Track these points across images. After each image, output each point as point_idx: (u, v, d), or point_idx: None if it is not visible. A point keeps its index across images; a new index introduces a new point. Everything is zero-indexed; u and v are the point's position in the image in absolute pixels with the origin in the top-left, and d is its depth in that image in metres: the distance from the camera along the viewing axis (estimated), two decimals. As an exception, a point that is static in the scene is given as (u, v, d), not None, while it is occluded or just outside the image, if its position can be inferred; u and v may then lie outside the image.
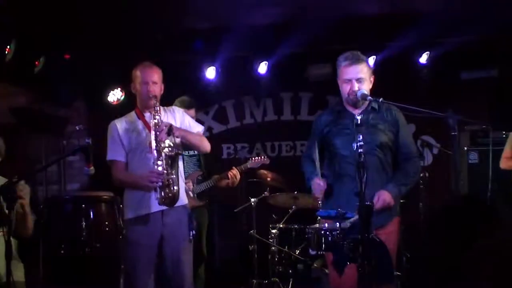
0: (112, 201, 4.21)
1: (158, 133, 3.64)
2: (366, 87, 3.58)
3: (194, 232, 3.78)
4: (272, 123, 7.18)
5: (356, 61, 3.59)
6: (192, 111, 4.98)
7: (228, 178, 5.11)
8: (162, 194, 3.62)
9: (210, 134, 7.22)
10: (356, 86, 3.56)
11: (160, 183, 3.61)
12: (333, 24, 6.00)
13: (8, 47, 5.17)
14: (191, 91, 6.86)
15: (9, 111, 6.61)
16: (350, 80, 3.57)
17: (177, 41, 6.36)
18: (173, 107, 4.09)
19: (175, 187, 3.64)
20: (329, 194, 3.61)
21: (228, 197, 6.57)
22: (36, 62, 5.69)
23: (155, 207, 3.68)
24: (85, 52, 6.40)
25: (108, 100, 6.61)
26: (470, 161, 5.23)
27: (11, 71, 5.48)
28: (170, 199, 3.64)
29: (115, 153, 3.84)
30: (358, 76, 3.57)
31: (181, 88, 6.80)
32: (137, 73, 3.88)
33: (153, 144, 3.65)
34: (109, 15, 5.56)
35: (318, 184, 3.52)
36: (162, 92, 3.91)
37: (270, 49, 6.61)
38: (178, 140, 3.71)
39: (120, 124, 3.86)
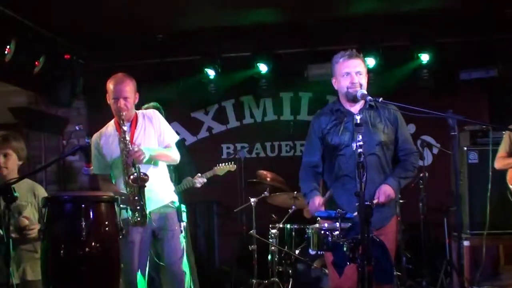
0: (112, 201, 4.21)
1: (125, 157, 3.82)
2: (364, 82, 3.59)
3: (184, 223, 4.04)
4: (272, 123, 7.19)
5: (354, 55, 3.61)
6: None
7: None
8: (131, 217, 3.84)
9: (210, 134, 7.22)
10: (356, 78, 3.55)
11: (127, 207, 3.83)
12: (334, 24, 6.02)
13: (8, 47, 5.17)
14: (191, 91, 6.91)
15: (9, 111, 6.61)
16: (349, 74, 3.57)
17: (177, 41, 6.36)
18: (152, 112, 4.16)
19: (143, 212, 3.81)
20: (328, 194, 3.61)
21: (228, 197, 6.58)
22: (36, 62, 5.69)
23: None
24: (85, 52, 6.40)
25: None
26: (470, 161, 5.22)
27: (11, 71, 5.48)
28: (139, 223, 3.83)
29: (97, 168, 4.08)
30: (357, 70, 3.57)
31: (181, 88, 6.83)
32: (109, 86, 3.98)
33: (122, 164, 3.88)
34: (109, 15, 5.56)
35: (315, 205, 3.53)
36: (136, 101, 4.06)
37: (270, 49, 6.61)
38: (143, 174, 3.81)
39: (100, 139, 4.06)
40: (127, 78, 3.99)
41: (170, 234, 3.98)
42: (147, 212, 3.83)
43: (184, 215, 4.07)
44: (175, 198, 4.14)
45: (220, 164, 5.49)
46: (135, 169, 3.74)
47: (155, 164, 3.99)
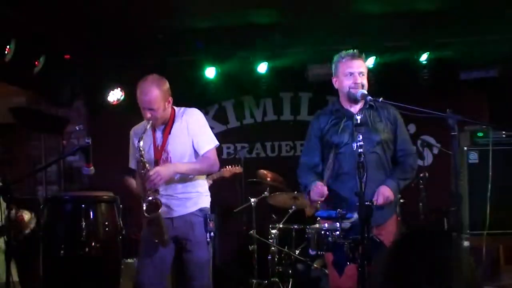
0: (112, 201, 4.22)
1: (142, 175, 3.63)
2: (366, 82, 3.61)
3: (212, 234, 3.66)
4: (272, 123, 7.19)
5: (357, 56, 3.63)
6: None
7: None
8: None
9: (210, 134, 7.21)
10: (359, 78, 3.57)
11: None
12: (333, 24, 6.01)
13: (8, 47, 5.17)
14: (191, 91, 6.90)
15: (9, 111, 6.61)
16: (352, 74, 3.58)
17: (177, 41, 6.35)
18: (193, 111, 3.83)
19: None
20: (328, 193, 3.62)
21: (228, 197, 6.58)
22: (36, 62, 5.68)
23: (164, 214, 3.68)
24: (85, 52, 6.40)
25: (108, 100, 6.61)
26: (470, 161, 5.21)
27: (11, 71, 5.47)
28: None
29: (133, 161, 3.88)
30: (360, 70, 3.59)
31: (181, 88, 6.82)
32: (137, 93, 3.69)
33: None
34: (109, 15, 5.56)
35: (319, 188, 3.48)
36: (170, 104, 3.73)
37: (271, 49, 6.61)
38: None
39: (134, 133, 3.86)
40: (153, 87, 3.62)
41: (195, 244, 3.72)
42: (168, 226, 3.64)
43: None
44: (207, 204, 3.91)
45: (227, 166, 5.53)
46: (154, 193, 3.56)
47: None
